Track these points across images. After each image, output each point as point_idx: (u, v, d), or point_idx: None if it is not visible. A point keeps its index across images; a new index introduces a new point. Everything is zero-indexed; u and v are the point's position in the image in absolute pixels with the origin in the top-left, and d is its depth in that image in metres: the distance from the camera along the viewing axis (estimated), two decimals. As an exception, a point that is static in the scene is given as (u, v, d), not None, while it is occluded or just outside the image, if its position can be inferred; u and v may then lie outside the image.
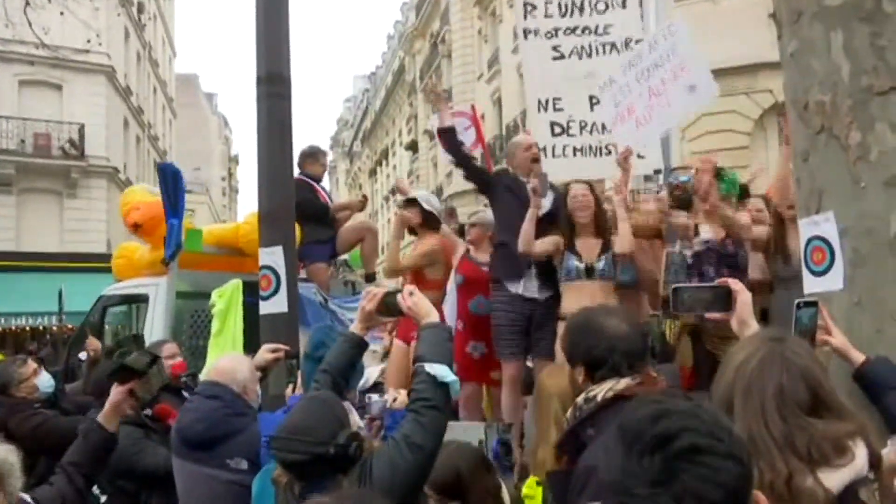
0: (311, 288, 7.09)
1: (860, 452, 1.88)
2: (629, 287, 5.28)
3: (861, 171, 2.83)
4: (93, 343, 6.38)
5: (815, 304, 2.71)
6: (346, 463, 2.45)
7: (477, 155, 7.69)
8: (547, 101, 5.79)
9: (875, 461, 1.91)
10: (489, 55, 32.24)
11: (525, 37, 5.93)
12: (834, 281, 2.87)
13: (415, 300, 2.77)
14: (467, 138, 7.64)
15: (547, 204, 5.32)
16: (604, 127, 5.61)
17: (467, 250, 5.89)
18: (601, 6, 5.79)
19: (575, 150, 5.71)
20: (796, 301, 2.71)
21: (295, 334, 4.92)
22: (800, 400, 1.89)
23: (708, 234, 4.73)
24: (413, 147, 43.52)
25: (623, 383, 2.34)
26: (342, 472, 2.45)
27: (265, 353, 4.06)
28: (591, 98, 5.66)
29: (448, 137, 5.66)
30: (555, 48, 5.81)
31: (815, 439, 1.83)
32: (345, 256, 8.17)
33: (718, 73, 18.45)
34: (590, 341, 2.42)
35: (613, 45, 5.74)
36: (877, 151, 2.81)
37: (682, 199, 4.96)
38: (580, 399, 2.35)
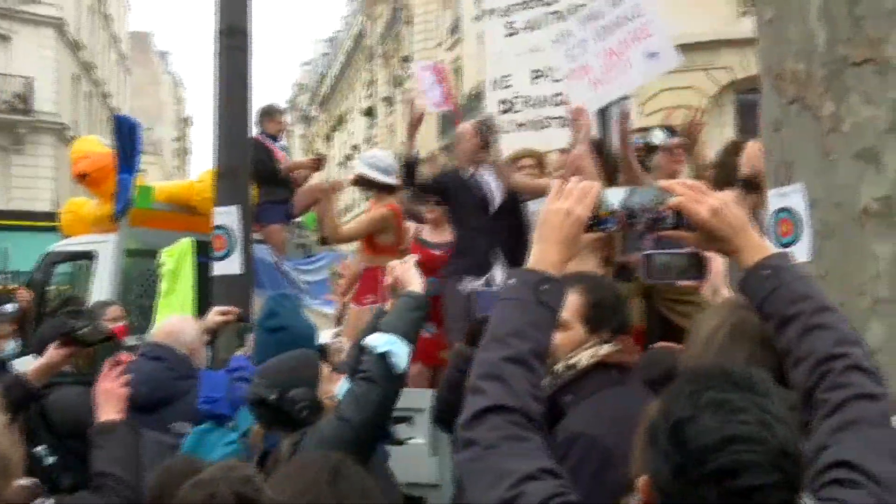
0: (265, 250, 6.95)
1: None
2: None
3: (832, 143, 2.80)
4: (22, 294, 6.18)
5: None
6: (290, 421, 2.41)
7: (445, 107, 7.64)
8: (499, 79, 5.78)
9: None
10: (450, 22, 31.94)
11: (489, 17, 5.92)
12: (800, 253, 2.84)
13: (404, 268, 2.68)
14: (433, 94, 7.50)
15: (498, 198, 5.25)
16: (546, 100, 5.57)
17: (418, 231, 5.82)
18: None
19: (519, 125, 5.67)
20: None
21: (248, 297, 4.80)
22: (771, 368, 1.85)
23: None
24: (371, 113, 43.14)
25: (605, 349, 2.32)
26: (287, 428, 2.42)
27: (215, 315, 3.95)
28: (533, 72, 5.62)
29: (409, 168, 5.46)
30: (509, 24, 5.76)
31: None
32: (299, 218, 8.03)
33: (679, 49, 18.59)
34: (615, 307, 2.42)
35: (558, 13, 5.66)
36: (849, 123, 2.78)
37: (641, 162, 4.92)
38: (559, 366, 2.31)
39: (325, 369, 2.71)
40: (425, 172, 5.65)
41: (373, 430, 2.38)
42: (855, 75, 2.77)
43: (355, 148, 45.18)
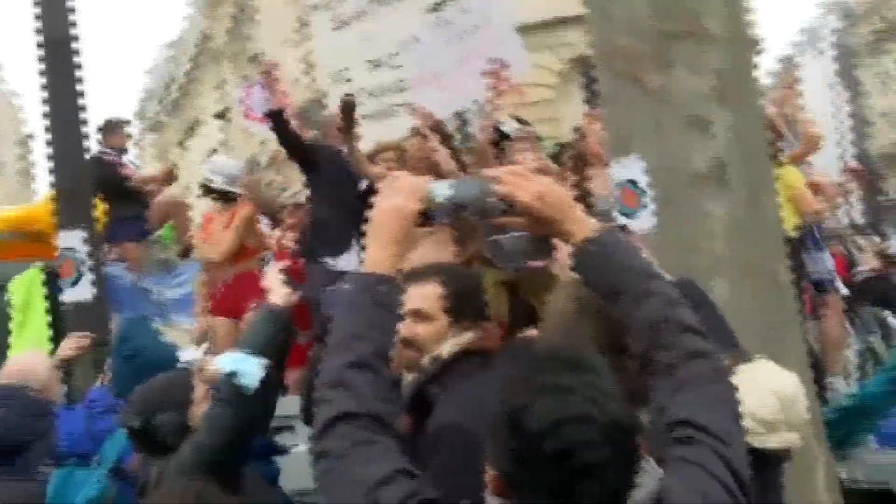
0: (122, 269, 6.67)
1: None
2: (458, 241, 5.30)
3: (663, 113, 2.94)
4: None
5: (624, 226, 2.78)
6: (161, 447, 2.32)
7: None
8: (336, 74, 5.72)
9: None
10: (297, 17, 31.46)
11: (315, 12, 5.83)
12: (646, 221, 2.97)
13: (269, 278, 2.57)
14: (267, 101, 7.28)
15: (364, 181, 5.22)
16: (388, 88, 5.57)
17: (282, 239, 5.73)
18: None
19: (364, 116, 5.65)
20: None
21: (104, 322, 4.60)
22: (615, 341, 1.91)
23: None
24: (223, 116, 42.05)
25: (467, 337, 2.33)
26: (158, 455, 2.33)
27: (68, 345, 3.77)
28: (370, 62, 5.60)
29: (277, 118, 5.35)
30: (336, 17, 5.70)
31: (632, 379, 1.87)
32: (156, 233, 7.75)
33: (523, 29, 18.95)
34: (478, 297, 2.43)
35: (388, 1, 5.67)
36: (677, 94, 2.92)
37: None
38: (424, 360, 2.31)
39: (201, 390, 2.62)
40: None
41: (232, 451, 2.30)
42: (678, 48, 2.91)
43: (211, 152, 44.01)
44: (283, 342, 2.34)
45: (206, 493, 1.74)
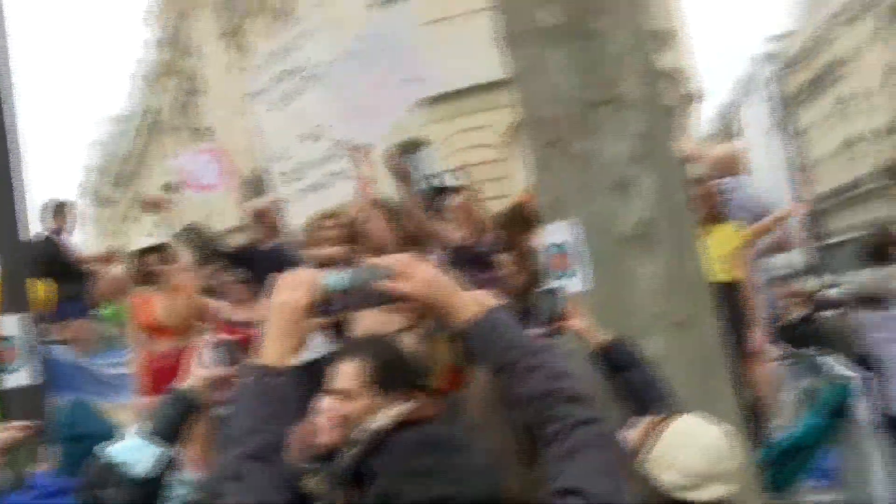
0: (65, 350, 6.57)
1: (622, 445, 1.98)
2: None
3: (589, 178, 3.03)
4: None
5: (553, 290, 2.84)
6: None
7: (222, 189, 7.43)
8: (276, 155, 5.83)
9: None
10: (244, 89, 31.62)
11: (251, 100, 6.00)
12: (577, 283, 3.04)
13: (194, 357, 2.53)
14: (209, 175, 7.29)
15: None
16: (320, 159, 5.67)
17: (219, 311, 5.68)
18: (301, 41, 5.83)
19: (301, 191, 5.75)
20: (540, 289, 2.85)
21: (45, 407, 4.51)
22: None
23: (459, 234, 4.82)
24: (171, 189, 41.79)
25: (405, 408, 2.33)
26: None
27: (8, 432, 3.68)
28: (301, 137, 5.73)
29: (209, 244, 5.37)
30: (269, 102, 5.85)
31: None
32: (100, 311, 7.65)
33: (467, 92, 19.15)
34: (407, 369, 2.40)
35: (312, 76, 5.81)
36: (600, 159, 3.02)
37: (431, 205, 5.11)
38: (356, 433, 2.30)
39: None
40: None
41: None
42: (599, 115, 3.02)
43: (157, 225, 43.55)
44: (182, 425, 2.28)
45: None
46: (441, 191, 5.18)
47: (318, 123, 5.48)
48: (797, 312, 8.31)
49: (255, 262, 5.28)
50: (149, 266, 5.55)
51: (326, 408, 2.93)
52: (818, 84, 58.80)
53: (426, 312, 1.65)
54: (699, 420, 2.23)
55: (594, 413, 1.51)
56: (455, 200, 4.99)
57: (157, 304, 5.47)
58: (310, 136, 5.58)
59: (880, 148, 52.14)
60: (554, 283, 3.04)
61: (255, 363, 1.60)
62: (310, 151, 5.63)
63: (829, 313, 9.99)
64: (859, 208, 53.25)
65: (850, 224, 54.43)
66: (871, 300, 4.45)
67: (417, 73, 4.97)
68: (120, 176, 60.24)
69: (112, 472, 2.22)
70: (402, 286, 1.60)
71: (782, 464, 4.23)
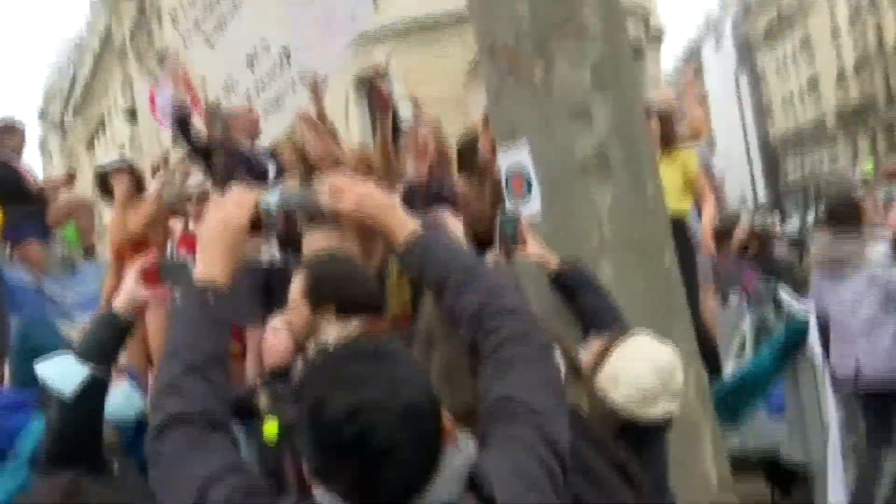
0: (20, 270, 6.49)
1: (558, 359, 2.03)
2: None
3: (547, 106, 3.06)
4: None
5: (515, 211, 2.90)
6: None
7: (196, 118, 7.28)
8: (228, 87, 5.76)
9: (573, 364, 2.08)
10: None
11: (186, 45, 5.87)
12: (533, 208, 3.09)
13: (126, 279, 2.49)
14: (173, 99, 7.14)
15: (272, 172, 5.21)
16: (270, 75, 5.63)
17: (186, 224, 5.64)
18: None
19: (262, 112, 5.71)
20: (499, 214, 2.91)
21: (2, 325, 4.50)
22: None
23: (412, 174, 4.80)
24: (132, 114, 40.86)
25: (352, 326, 2.37)
26: None
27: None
28: (247, 58, 5.68)
29: (182, 125, 5.28)
30: (205, 37, 5.76)
31: None
32: (59, 232, 7.55)
33: (431, 24, 18.93)
34: (342, 284, 2.44)
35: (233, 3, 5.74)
36: (559, 86, 3.05)
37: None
38: (313, 346, 2.35)
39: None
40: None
41: (69, 450, 2.23)
42: (558, 42, 3.03)
43: (122, 150, 42.70)
44: (113, 346, 2.27)
45: (75, 489, 1.76)
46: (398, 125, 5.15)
47: (259, 39, 5.44)
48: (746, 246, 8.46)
49: (227, 155, 5.21)
50: (114, 183, 5.52)
51: (273, 327, 2.99)
52: (783, 25, 58.80)
53: (366, 232, 1.67)
54: (649, 339, 2.31)
55: (531, 327, 1.54)
56: (413, 135, 4.95)
57: (116, 225, 5.45)
58: (254, 55, 5.55)
59: (843, 89, 52.64)
60: (512, 207, 3.10)
61: (194, 280, 1.60)
62: (258, 71, 5.60)
63: (780, 249, 10.26)
64: (817, 150, 53.94)
65: (807, 165, 55.25)
66: (832, 265, 4.52)
67: (355, 9, 4.99)
68: (77, 102, 58.65)
69: (45, 391, 2.21)
70: (337, 204, 1.61)
71: (737, 395, 4.39)
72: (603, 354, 2.26)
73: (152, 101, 6.85)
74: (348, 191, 1.63)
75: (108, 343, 2.22)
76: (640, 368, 2.19)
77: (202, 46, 5.80)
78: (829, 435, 4.35)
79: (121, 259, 5.16)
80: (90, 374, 2.15)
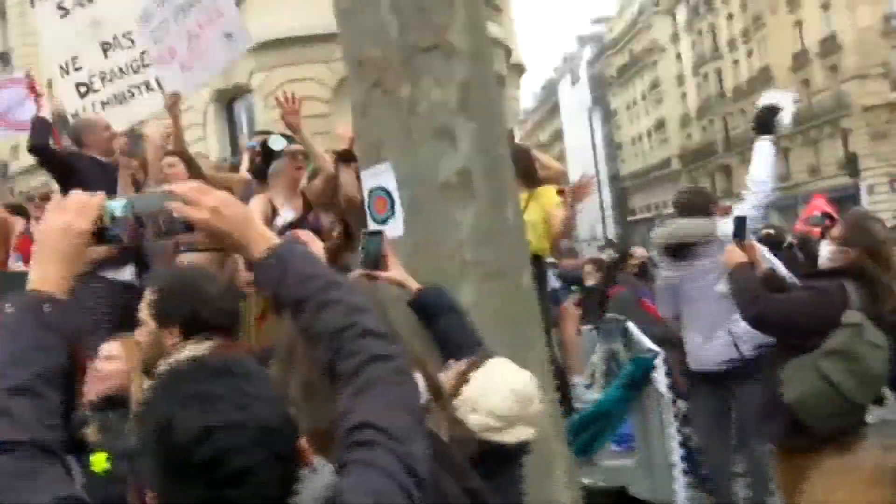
0: None
1: (418, 383, 1.98)
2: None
3: (412, 124, 3.01)
4: None
5: (379, 233, 2.83)
6: None
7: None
8: (67, 64, 5.49)
9: (434, 389, 2.03)
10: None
11: (33, 4, 5.58)
12: (395, 228, 3.03)
13: None
14: (26, 111, 6.70)
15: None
16: (124, 69, 5.44)
17: (26, 224, 5.26)
18: None
19: (103, 103, 5.46)
20: (363, 230, 2.82)
21: None
22: None
23: (289, 213, 4.62)
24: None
25: (205, 346, 2.26)
26: None
27: None
28: (102, 45, 5.47)
29: (41, 127, 4.94)
30: (59, 6, 5.49)
31: None
32: None
33: (297, 42, 18.76)
34: (188, 301, 2.33)
35: None
36: (425, 104, 3.01)
37: (259, 169, 4.93)
38: (161, 367, 2.21)
39: None
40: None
41: None
42: (425, 60, 3.00)
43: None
44: None
45: None
46: (272, 152, 4.97)
47: (122, 32, 5.22)
48: (592, 280, 8.81)
49: (81, 172, 4.88)
50: None
51: (107, 353, 2.79)
52: (633, 68, 62.05)
53: (218, 243, 1.53)
54: (507, 364, 2.29)
55: (390, 349, 1.48)
56: (281, 166, 4.78)
57: None
58: (110, 45, 5.31)
59: (687, 132, 55.98)
60: (373, 227, 3.02)
61: (26, 289, 1.44)
62: (110, 61, 5.36)
63: (623, 288, 10.70)
64: (662, 188, 57.02)
65: (653, 203, 58.28)
66: (679, 248, 4.50)
67: (233, 30, 4.85)
68: None
69: None
70: (191, 213, 1.49)
71: (589, 429, 4.45)
72: (462, 379, 2.22)
73: None
74: (203, 200, 1.50)
75: None
76: (498, 394, 2.16)
77: (53, 14, 5.48)
78: (674, 470, 4.45)
79: None
80: None
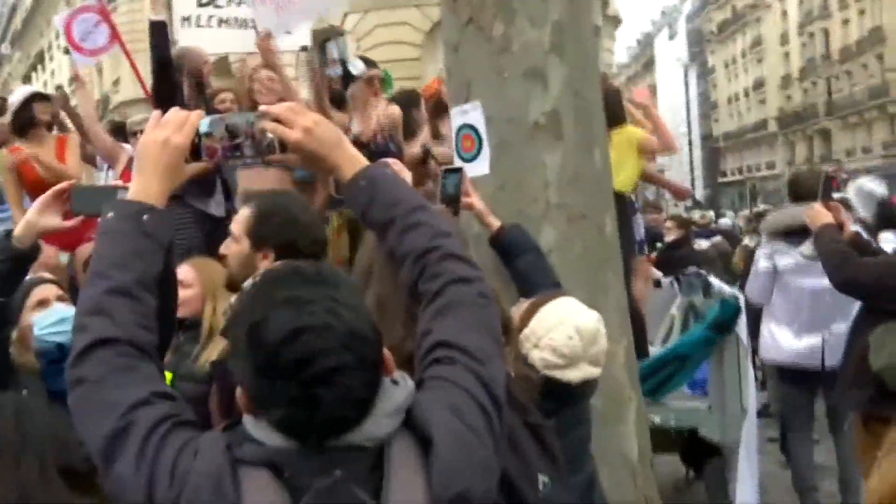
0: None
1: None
2: (308, 182, 5.23)
3: (504, 62, 3.01)
4: None
5: (459, 170, 2.86)
6: None
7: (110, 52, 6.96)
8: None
9: (504, 323, 2.06)
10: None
11: None
12: (481, 166, 3.05)
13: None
14: (98, 37, 6.83)
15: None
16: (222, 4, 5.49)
17: (131, 159, 5.44)
18: None
19: (221, 21, 5.52)
20: (442, 168, 2.85)
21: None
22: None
23: (357, 128, 4.75)
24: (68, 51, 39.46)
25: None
26: None
27: None
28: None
29: (159, 30, 5.07)
30: None
31: None
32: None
33: (391, -16, 18.51)
34: (286, 227, 2.38)
35: None
36: (518, 43, 3.00)
37: (339, 96, 5.00)
38: (247, 283, 2.30)
39: (40, 295, 2.56)
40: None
41: None
42: (521, -1, 2.98)
43: (59, 88, 41.17)
44: (11, 274, 2.17)
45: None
46: (349, 78, 5.04)
47: None
48: (672, 236, 8.69)
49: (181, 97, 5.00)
50: (33, 115, 5.27)
51: (184, 280, 2.89)
52: (735, 24, 59.77)
53: (311, 164, 1.58)
54: (573, 303, 2.30)
55: (471, 272, 1.51)
56: (359, 89, 4.87)
57: (40, 162, 5.22)
58: None
59: (787, 94, 53.88)
60: (458, 164, 3.05)
61: (127, 198, 1.52)
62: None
63: (705, 242, 10.55)
64: (756, 151, 55.21)
65: (745, 165, 56.54)
66: (788, 234, 4.39)
67: None
68: (15, 32, 56.47)
69: None
70: (285, 132, 1.53)
71: (663, 371, 4.42)
72: (528, 315, 2.24)
73: (69, 33, 6.55)
74: (297, 119, 1.54)
75: (4, 271, 2.16)
76: (563, 331, 2.18)
77: None
78: (747, 419, 4.43)
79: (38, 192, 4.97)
80: None
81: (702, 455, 4.80)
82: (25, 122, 5.24)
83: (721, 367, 4.44)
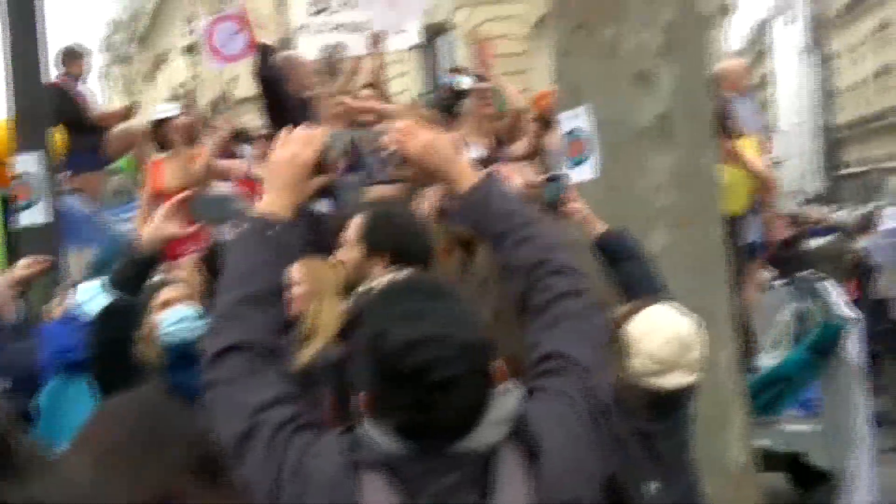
0: (78, 201, 6.61)
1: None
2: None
3: (613, 66, 3.01)
4: None
5: (558, 178, 2.87)
6: None
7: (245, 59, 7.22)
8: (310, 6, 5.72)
9: (609, 328, 2.08)
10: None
11: None
12: (590, 170, 3.06)
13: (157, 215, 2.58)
14: (235, 45, 7.09)
15: None
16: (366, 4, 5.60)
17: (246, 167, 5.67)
18: None
19: (335, 26, 5.67)
20: (546, 175, 2.88)
21: (57, 247, 4.60)
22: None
23: (478, 150, 4.75)
24: (192, 51, 41.13)
25: (404, 273, 2.40)
26: None
27: (23, 266, 3.76)
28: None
29: (262, 52, 5.29)
30: None
31: None
32: (115, 164, 7.67)
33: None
34: (401, 233, 2.46)
35: None
36: (627, 47, 3.00)
37: (448, 105, 5.03)
38: (362, 288, 2.38)
39: (165, 296, 2.69)
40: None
41: (108, 364, 2.40)
42: (628, 1, 2.97)
43: (181, 87, 42.92)
44: (136, 277, 2.37)
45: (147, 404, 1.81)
46: (460, 93, 5.09)
47: None
48: (784, 235, 8.33)
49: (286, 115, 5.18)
50: (165, 134, 5.56)
51: (293, 278, 3.00)
52: (860, 6, 56.84)
53: (426, 178, 1.67)
54: (670, 309, 2.28)
55: (581, 285, 1.55)
56: (470, 105, 4.87)
57: (166, 170, 5.49)
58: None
59: (913, 81, 50.89)
60: (564, 169, 3.07)
61: (256, 212, 1.63)
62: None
63: (821, 240, 10.02)
64: (881, 141, 52.45)
65: (869, 156, 53.79)
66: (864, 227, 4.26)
67: None
68: (140, 34, 59.18)
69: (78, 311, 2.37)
70: (403, 147, 1.62)
71: (764, 390, 4.31)
72: (625, 320, 2.25)
73: (210, 38, 6.84)
74: (415, 135, 1.63)
75: (131, 274, 2.36)
76: (658, 337, 2.18)
77: None
78: (862, 444, 4.23)
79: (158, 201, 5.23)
80: (112, 301, 2.33)
81: (812, 478, 4.66)
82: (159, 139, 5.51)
83: (830, 392, 4.29)
